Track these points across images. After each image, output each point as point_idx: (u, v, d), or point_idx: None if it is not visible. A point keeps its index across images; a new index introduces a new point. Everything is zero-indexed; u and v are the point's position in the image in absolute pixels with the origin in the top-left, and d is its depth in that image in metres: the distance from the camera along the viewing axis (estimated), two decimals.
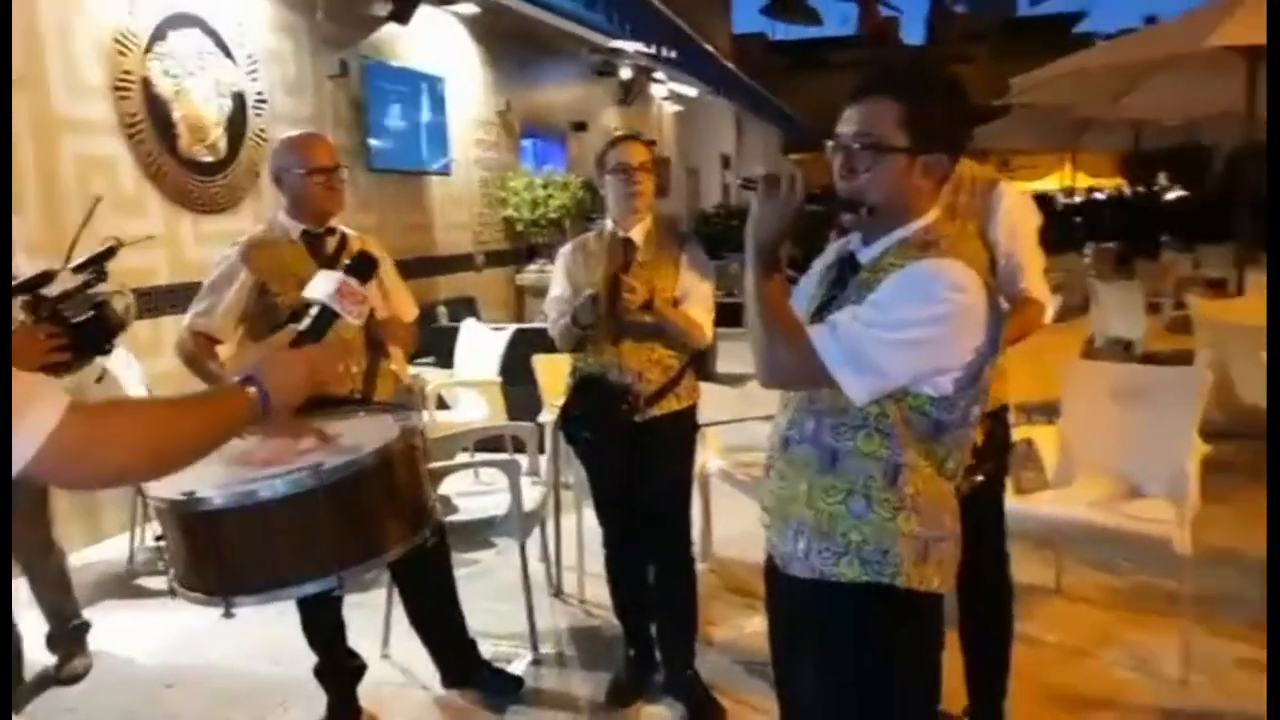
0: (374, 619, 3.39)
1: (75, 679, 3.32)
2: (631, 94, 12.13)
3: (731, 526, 4.04)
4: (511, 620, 3.43)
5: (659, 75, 12.43)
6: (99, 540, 4.66)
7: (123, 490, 4.16)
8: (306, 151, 2.71)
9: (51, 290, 2.21)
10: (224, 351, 2.73)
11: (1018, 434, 3.54)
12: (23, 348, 2.10)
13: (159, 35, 5.11)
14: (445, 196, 8.04)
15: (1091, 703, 2.97)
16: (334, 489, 1.79)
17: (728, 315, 3.01)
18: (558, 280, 2.91)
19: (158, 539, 1.90)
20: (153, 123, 5.06)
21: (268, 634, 3.37)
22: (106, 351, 2.32)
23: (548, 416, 4.04)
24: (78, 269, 2.29)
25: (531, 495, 3.58)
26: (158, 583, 4.08)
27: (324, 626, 2.88)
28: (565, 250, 2.95)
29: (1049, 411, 3.85)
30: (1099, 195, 22.33)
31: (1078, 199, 20.82)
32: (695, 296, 2.84)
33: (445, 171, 7.96)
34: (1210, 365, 4.25)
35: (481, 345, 5.36)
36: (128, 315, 2.34)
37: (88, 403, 1.17)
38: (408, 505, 2.01)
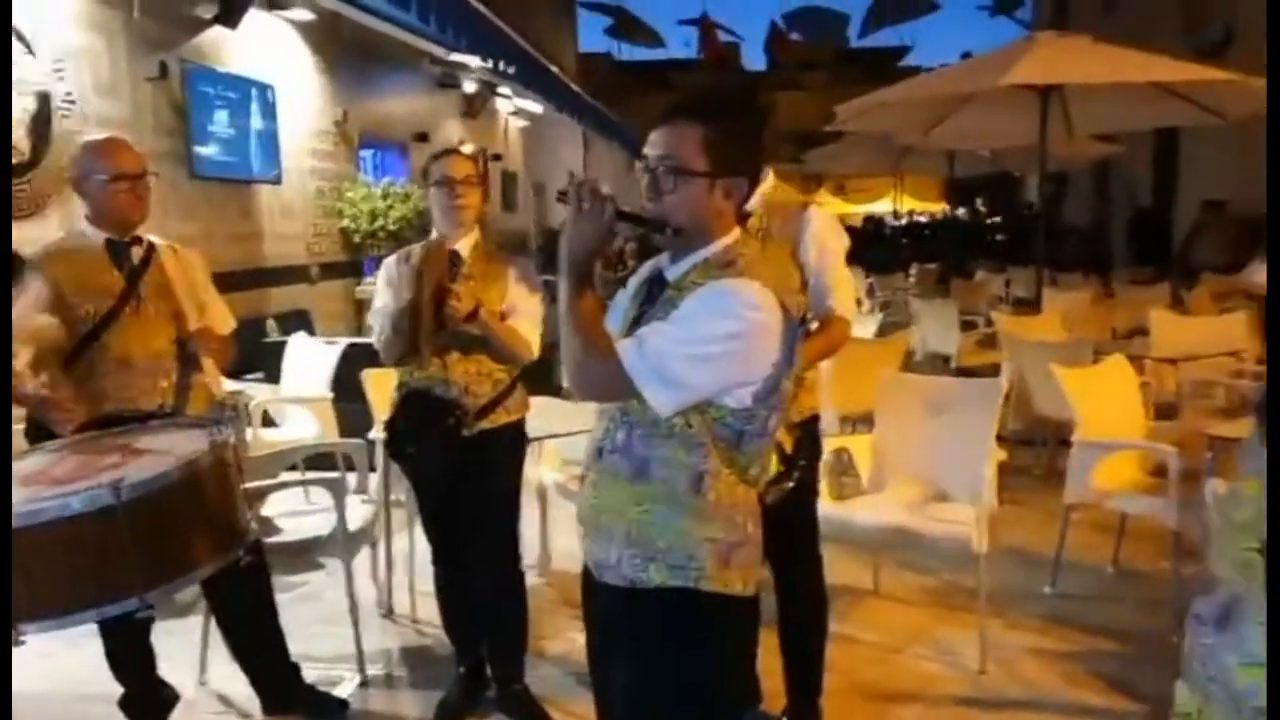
0: (190, 645, 3.23)
1: None
2: (474, 107, 12.04)
3: (569, 540, 4.06)
4: (339, 642, 3.34)
5: (504, 90, 12.39)
6: None
7: None
8: (109, 157, 2.59)
9: None
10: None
11: (835, 443, 3.74)
12: None
13: None
14: (277, 206, 7.76)
15: (900, 696, 3.16)
16: (135, 505, 1.73)
17: None
18: (381, 291, 2.85)
19: None
20: None
21: (68, 663, 3.17)
22: None
23: (378, 433, 3.97)
24: None
25: (360, 513, 3.51)
26: None
27: (131, 653, 2.74)
28: (389, 261, 2.90)
29: (870, 422, 4.06)
30: (921, 219, 23.88)
31: (903, 221, 22.15)
32: (523, 311, 2.85)
33: (277, 181, 7.69)
34: (1010, 378, 4.57)
35: (312, 360, 5.19)
36: None
37: None
38: (219, 522, 1.95)
